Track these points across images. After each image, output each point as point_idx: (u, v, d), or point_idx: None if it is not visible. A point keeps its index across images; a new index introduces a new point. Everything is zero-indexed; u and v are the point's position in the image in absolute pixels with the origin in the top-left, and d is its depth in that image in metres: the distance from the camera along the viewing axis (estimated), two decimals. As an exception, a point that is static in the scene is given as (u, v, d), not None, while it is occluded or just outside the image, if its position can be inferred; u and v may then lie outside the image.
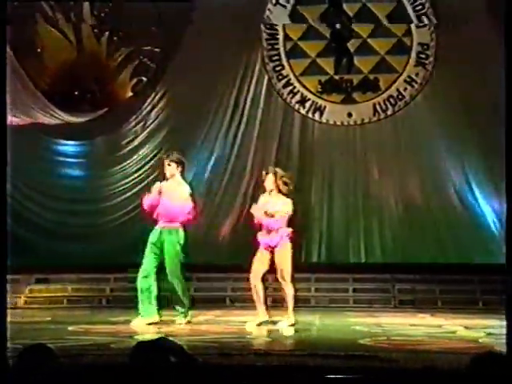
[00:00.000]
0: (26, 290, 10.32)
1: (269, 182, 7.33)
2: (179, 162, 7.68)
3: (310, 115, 11.68)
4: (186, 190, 7.61)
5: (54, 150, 11.98)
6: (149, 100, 11.87)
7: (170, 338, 3.34)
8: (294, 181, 7.61)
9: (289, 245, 7.27)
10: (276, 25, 11.74)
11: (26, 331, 7.11)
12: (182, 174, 7.74)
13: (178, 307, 7.62)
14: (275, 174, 7.34)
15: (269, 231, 7.25)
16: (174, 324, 7.48)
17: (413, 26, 11.52)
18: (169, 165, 7.64)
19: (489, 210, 11.20)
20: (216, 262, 10.66)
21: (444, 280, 10.17)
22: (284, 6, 11.69)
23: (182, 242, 7.51)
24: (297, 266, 10.22)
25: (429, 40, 11.47)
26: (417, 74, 11.50)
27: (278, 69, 11.77)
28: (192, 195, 7.65)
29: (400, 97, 11.53)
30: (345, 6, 11.64)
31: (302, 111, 11.69)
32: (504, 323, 7.45)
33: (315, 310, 9.21)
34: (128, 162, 11.94)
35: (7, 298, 4.43)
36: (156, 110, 11.91)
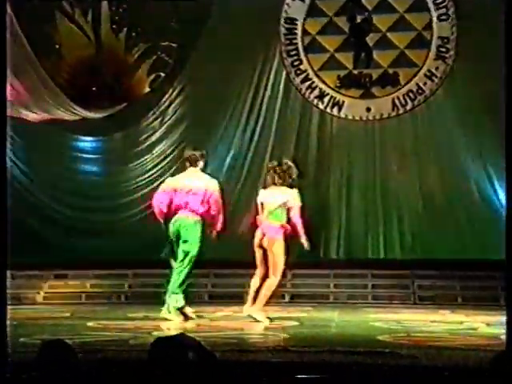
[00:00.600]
0: (45, 285, 10.38)
1: (268, 178, 7.47)
2: (203, 156, 7.74)
3: (328, 110, 11.64)
4: (212, 183, 7.65)
5: (73, 146, 12.06)
6: (166, 96, 11.89)
7: (189, 334, 3.34)
8: (292, 171, 7.52)
9: (279, 240, 7.25)
10: (294, 19, 11.71)
11: (45, 326, 7.16)
12: (205, 167, 7.79)
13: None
14: (268, 168, 7.50)
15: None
16: (195, 319, 7.47)
17: (433, 20, 11.43)
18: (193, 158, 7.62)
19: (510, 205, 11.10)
20: (234, 258, 10.66)
21: (465, 276, 10.10)
22: (302, 1, 11.66)
23: (200, 234, 7.50)
24: (316, 262, 10.24)
25: (449, 33, 11.37)
26: (437, 68, 11.42)
27: (296, 64, 11.73)
28: (219, 190, 7.63)
29: (420, 91, 11.46)
30: (364, 0, 11.59)
31: (321, 106, 11.66)
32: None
33: (334, 306, 9.19)
34: (146, 157, 11.97)
35: (7, 294, 4.41)
36: (173, 105, 11.92)
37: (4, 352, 3.94)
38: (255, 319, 7.18)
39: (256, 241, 7.39)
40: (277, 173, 7.39)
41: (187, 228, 7.49)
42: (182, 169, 11.59)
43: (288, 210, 7.35)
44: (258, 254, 7.37)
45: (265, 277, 7.32)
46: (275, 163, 7.57)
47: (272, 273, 7.26)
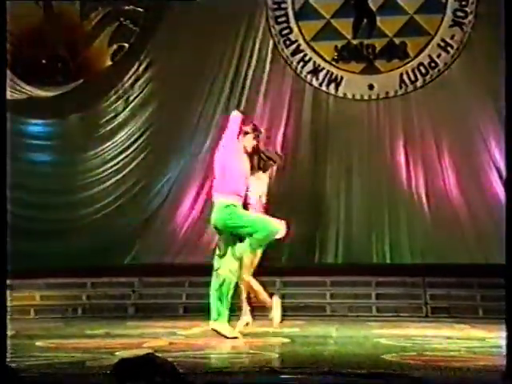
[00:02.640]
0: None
1: None
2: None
3: (324, 87, 11.71)
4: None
5: (20, 131, 12.00)
6: (132, 70, 11.92)
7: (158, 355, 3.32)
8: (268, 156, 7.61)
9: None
10: (283, -21, 11.75)
11: (-15, 347, 7.12)
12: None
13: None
14: None
15: None
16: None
17: (448, -21, 11.49)
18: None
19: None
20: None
21: (486, 284, 10.16)
22: (293, -43, 11.70)
23: None
24: (309, 268, 10.26)
25: (467, -5, 11.47)
26: (452, 37, 11.48)
27: (285, 32, 11.79)
28: None
29: (432, 65, 11.54)
30: (366, -43, 11.64)
31: (315, 83, 11.72)
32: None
33: (331, 320, 9.23)
34: (108, 144, 12.00)
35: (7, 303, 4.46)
36: (140, 82, 11.96)
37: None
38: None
39: None
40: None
41: None
42: (149, 158, 11.73)
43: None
44: None
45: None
46: None
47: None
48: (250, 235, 7.09)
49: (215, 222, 7.17)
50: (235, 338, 7.25)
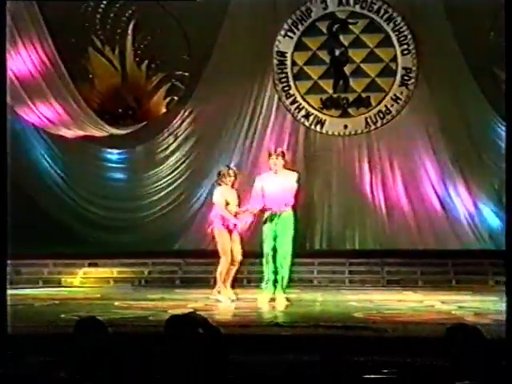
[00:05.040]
0: (80, 272, 10.37)
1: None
2: (283, 155, 7.47)
3: (312, 127, 11.66)
4: (295, 175, 7.46)
5: (102, 157, 12.06)
6: (179, 115, 11.89)
7: (198, 312, 3.35)
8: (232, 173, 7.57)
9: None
10: (284, 52, 11.73)
11: (81, 306, 7.16)
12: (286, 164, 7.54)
13: (279, 284, 7.29)
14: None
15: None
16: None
17: (398, 54, 11.46)
18: (276, 158, 7.37)
19: (460, 204, 11.18)
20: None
21: (424, 263, 10.12)
22: (291, 37, 11.69)
23: (295, 223, 7.36)
24: (302, 253, 10.27)
25: (411, 65, 11.42)
26: (401, 93, 11.46)
27: (286, 89, 11.75)
28: (298, 180, 7.50)
29: (387, 111, 11.49)
30: (341, 37, 11.62)
31: (306, 124, 11.68)
32: (472, 298, 7.44)
33: (318, 289, 9.19)
34: (161, 167, 11.97)
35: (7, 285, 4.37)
36: (185, 124, 11.91)
37: (4, 331, 3.86)
38: (218, 300, 7.20)
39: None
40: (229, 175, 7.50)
41: (286, 225, 7.34)
42: (190, 176, 11.71)
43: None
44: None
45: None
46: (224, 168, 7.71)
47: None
48: None
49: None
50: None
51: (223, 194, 7.48)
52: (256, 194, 7.38)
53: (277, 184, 7.28)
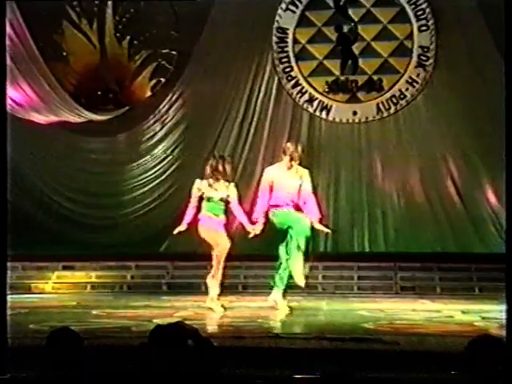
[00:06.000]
0: (53, 276, 10.37)
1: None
2: (302, 151, 7.49)
3: (317, 114, 11.65)
4: (308, 176, 7.48)
5: (79, 147, 12.04)
6: (166, 99, 11.87)
7: (187, 322, 3.34)
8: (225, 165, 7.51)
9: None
10: (286, 29, 11.72)
11: (53, 314, 7.15)
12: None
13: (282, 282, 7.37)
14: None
15: None
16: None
17: (414, 30, 11.45)
18: (296, 153, 7.34)
19: (485, 202, 11.17)
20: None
21: (443, 268, 10.14)
22: (293, 11, 11.67)
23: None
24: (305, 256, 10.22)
25: (429, 43, 11.40)
26: (418, 75, 11.44)
27: (287, 70, 11.74)
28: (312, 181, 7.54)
29: (402, 96, 11.47)
30: (350, 11, 11.60)
31: (310, 110, 11.66)
32: (498, 308, 7.45)
33: (322, 296, 9.21)
34: (147, 157, 11.97)
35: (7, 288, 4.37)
36: (173, 108, 11.91)
37: (4, 340, 3.89)
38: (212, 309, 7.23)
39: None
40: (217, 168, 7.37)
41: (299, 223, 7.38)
42: (179, 168, 11.73)
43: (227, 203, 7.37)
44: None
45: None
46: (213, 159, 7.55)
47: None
48: None
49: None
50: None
51: (198, 189, 7.43)
52: (264, 189, 7.37)
53: (289, 180, 7.28)
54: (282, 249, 7.31)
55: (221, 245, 7.35)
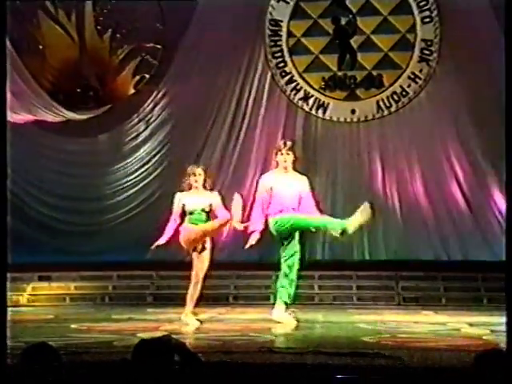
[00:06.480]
0: (28, 287, 10.34)
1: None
2: (293, 149, 7.46)
3: (313, 112, 11.67)
4: (306, 179, 7.51)
5: (57, 148, 12.00)
6: (151, 97, 11.88)
7: (174, 336, 3.34)
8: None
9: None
10: (279, 21, 11.73)
11: (28, 329, 7.12)
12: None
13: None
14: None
15: None
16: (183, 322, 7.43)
17: (417, 22, 11.49)
18: (287, 154, 7.36)
19: (493, 207, 11.19)
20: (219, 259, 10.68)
21: (448, 277, 10.16)
22: (287, 2, 11.69)
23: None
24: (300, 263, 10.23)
25: (433, 36, 11.45)
26: (420, 71, 11.48)
27: (280, 65, 11.76)
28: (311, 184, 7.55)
29: (404, 93, 11.51)
30: (348, 2, 11.63)
31: (306, 108, 11.69)
32: (507, 320, 7.46)
33: (319, 308, 9.21)
34: (131, 159, 11.96)
35: (7, 296, 4.39)
36: (158, 107, 11.91)
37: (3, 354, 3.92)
38: (187, 323, 7.24)
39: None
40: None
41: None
42: (165, 171, 11.72)
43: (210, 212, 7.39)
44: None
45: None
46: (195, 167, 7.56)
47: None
48: None
49: None
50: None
51: (179, 200, 7.44)
52: (262, 197, 7.35)
53: (289, 185, 7.29)
54: (283, 259, 7.32)
55: (203, 263, 7.36)
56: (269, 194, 7.32)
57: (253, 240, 7.29)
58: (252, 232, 7.30)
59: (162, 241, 7.48)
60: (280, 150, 7.38)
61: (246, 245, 7.37)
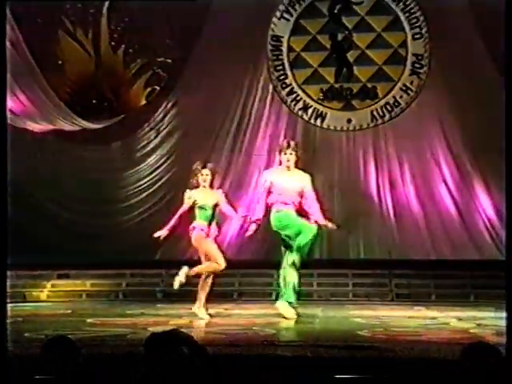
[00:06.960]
0: (48, 284, 10.35)
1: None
2: (297, 150, 7.37)
3: (312, 121, 11.69)
4: (308, 178, 7.44)
5: (74, 155, 12.02)
6: (161, 108, 11.91)
7: (182, 330, 3.34)
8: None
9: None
10: (280, 37, 11.76)
11: (48, 323, 7.13)
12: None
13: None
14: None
15: None
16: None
17: (408, 38, 11.51)
18: (290, 154, 7.28)
19: (479, 209, 11.19)
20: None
21: (438, 275, 10.15)
22: (287, 19, 11.72)
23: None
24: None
25: (423, 51, 11.47)
26: (412, 83, 11.50)
27: (282, 78, 11.78)
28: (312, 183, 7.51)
29: (396, 104, 11.53)
30: (344, 19, 11.65)
31: (305, 117, 11.71)
32: (493, 314, 7.46)
33: (317, 304, 9.19)
34: (142, 165, 11.97)
35: (7, 294, 4.36)
36: (168, 117, 11.94)
37: (4, 347, 3.91)
38: (201, 317, 7.22)
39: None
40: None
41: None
42: (174, 176, 11.72)
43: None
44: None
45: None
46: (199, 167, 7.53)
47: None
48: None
49: None
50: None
51: (190, 197, 7.42)
52: (263, 188, 7.31)
53: (290, 182, 7.26)
54: (284, 254, 7.33)
55: (220, 264, 7.32)
56: (270, 185, 7.29)
57: (252, 230, 7.30)
58: (252, 222, 7.30)
59: (163, 232, 7.45)
60: (283, 150, 7.35)
61: (247, 233, 7.39)
